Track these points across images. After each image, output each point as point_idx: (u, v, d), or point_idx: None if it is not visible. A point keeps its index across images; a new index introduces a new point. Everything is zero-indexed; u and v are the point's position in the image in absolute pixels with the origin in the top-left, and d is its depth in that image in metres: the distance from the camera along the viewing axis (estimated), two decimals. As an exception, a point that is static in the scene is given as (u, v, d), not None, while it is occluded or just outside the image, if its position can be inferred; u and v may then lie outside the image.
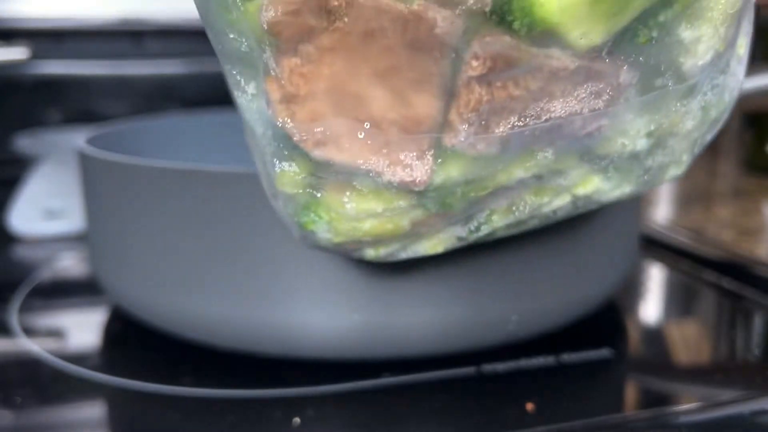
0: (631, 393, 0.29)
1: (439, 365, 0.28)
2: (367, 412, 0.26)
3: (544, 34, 0.18)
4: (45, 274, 0.40)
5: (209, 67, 0.64)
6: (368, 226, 0.21)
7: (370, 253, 0.22)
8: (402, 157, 0.19)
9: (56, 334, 0.33)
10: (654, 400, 0.28)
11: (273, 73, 0.18)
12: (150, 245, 0.28)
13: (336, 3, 0.17)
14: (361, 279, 0.26)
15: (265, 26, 0.18)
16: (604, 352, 0.30)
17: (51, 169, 0.52)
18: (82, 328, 0.34)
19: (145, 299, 0.29)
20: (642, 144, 0.21)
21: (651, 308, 0.38)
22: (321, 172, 0.20)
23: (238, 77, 0.20)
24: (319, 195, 0.20)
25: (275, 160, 0.20)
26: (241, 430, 0.24)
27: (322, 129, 0.19)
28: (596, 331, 0.32)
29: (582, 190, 0.22)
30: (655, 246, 0.44)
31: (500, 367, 0.28)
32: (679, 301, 0.39)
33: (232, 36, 0.19)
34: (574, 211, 0.23)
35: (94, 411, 0.27)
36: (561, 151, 0.20)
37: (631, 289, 0.38)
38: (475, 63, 0.18)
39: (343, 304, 0.26)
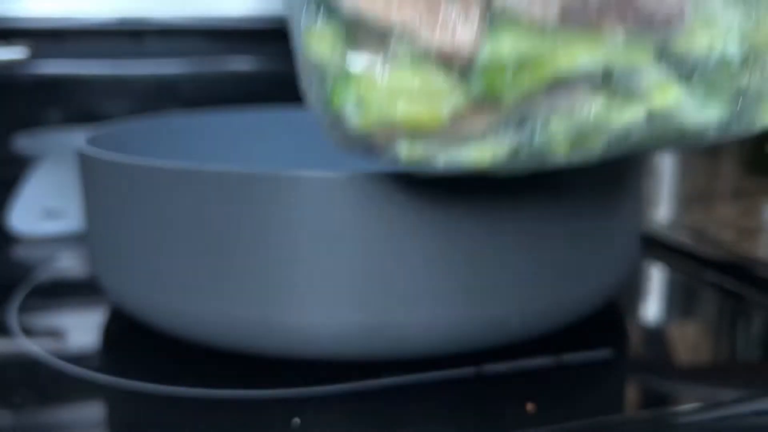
0: (631, 393, 0.29)
1: (439, 365, 0.28)
2: (367, 413, 0.26)
3: None
4: (44, 274, 0.40)
5: (209, 67, 0.64)
6: (401, 108, 0.18)
7: (405, 150, 0.19)
8: (444, 14, 0.17)
9: (56, 334, 0.33)
10: (654, 400, 0.28)
11: None
12: (149, 245, 0.28)
13: None
14: (362, 279, 0.26)
15: None
16: (604, 353, 0.30)
17: (50, 169, 0.52)
18: (82, 329, 0.34)
19: (145, 299, 0.29)
20: (733, 50, 0.18)
21: (652, 308, 0.38)
22: (353, 34, 0.18)
23: None
24: (349, 69, 0.18)
25: (305, 20, 0.18)
26: (240, 431, 0.24)
27: None
28: (597, 331, 0.32)
29: (659, 101, 0.19)
30: (655, 246, 0.44)
31: (500, 367, 0.28)
32: (680, 301, 0.39)
33: None
34: (649, 138, 0.20)
35: (93, 411, 0.27)
36: (633, 37, 0.18)
37: (631, 289, 0.38)
38: None
39: (343, 305, 0.26)
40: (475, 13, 0.17)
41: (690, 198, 0.55)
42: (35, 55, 0.58)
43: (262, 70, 0.65)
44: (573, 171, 0.28)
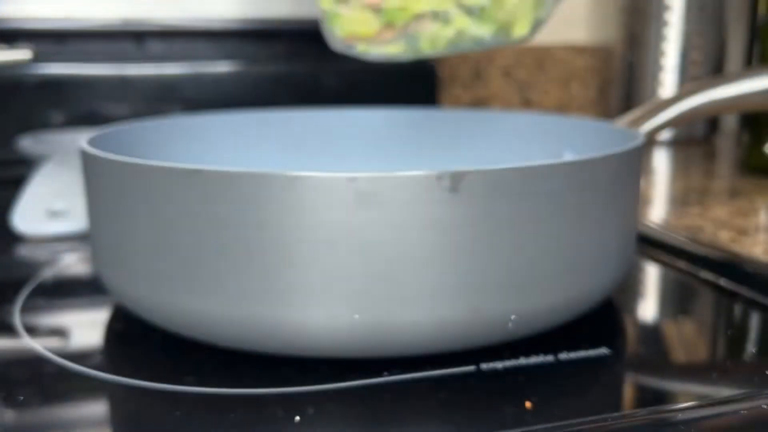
0: (628, 391, 0.29)
1: (439, 363, 0.28)
2: (368, 410, 0.26)
3: None
4: (48, 274, 0.40)
5: (210, 69, 0.64)
6: (356, 28, 0.39)
7: (359, 48, 0.40)
8: None
9: (59, 333, 0.33)
10: (651, 398, 0.28)
11: None
12: (152, 245, 0.28)
13: None
14: (361, 278, 0.26)
15: None
16: (602, 351, 0.30)
17: (54, 170, 0.52)
18: (85, 327, 0.34)
19: (147, 298, 0.29)
20: (484, 3, 0.38)
21: (648, 307, 0.38)
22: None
23: None
24: (336, 11, 0.39)
25: None
26: (242, 429, 0.25)
27: None
28: (594, 329, 0.32)
29: (459, 24, 0.39)
30: (652, 245, 0.44)
31: (499, 365, 0.28)
32: (677, 300, 0.39)
33: None
34: (461, 41, 0.39)
35: (96, 409, 0.27)
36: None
37: (628, 288, 0.39)
38: None
39: (343, 304, 0.26)
40: None
41: (686, 198, 0.56)
42: (38, 57, 0.58)
43: (261, 71, 0.65)
44: (570, 171, 0.28)
